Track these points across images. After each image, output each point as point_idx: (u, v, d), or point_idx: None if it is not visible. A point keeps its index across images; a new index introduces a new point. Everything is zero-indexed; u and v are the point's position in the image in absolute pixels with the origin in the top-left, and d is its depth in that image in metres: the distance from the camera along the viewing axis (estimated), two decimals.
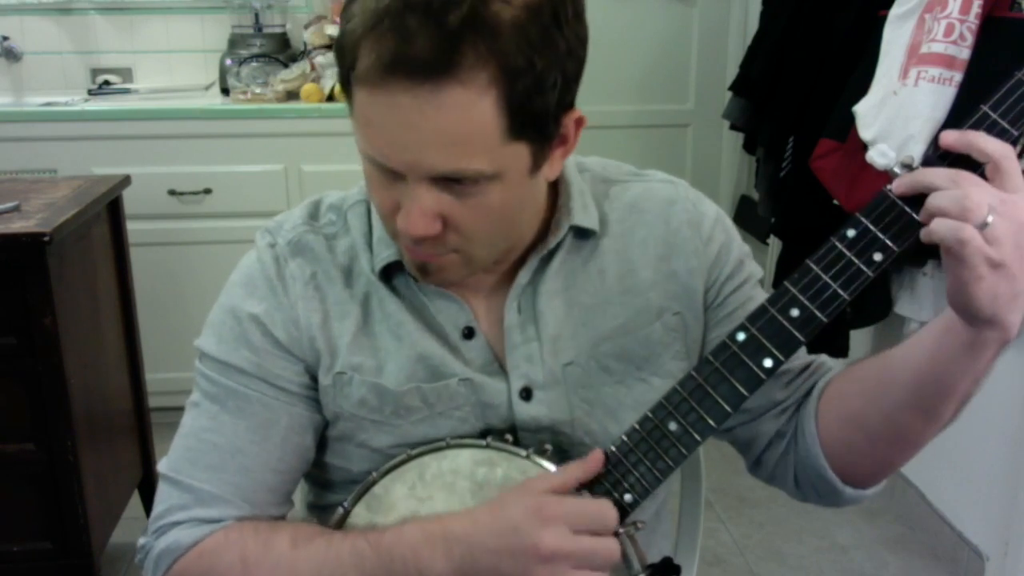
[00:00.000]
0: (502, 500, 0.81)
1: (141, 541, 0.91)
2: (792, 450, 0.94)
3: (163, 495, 0.90)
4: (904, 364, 0.83)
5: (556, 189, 0.94)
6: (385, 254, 0.90)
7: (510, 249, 0.91)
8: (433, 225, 0.79)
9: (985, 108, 0.74)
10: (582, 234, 0.93)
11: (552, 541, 0.77)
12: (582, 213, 0.92)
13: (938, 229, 0.70)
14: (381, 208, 0.84)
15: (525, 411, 0.91)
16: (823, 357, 0.97)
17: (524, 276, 0.92)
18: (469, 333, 0.92)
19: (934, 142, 0.75)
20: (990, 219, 0.69)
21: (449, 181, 0.77)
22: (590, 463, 0.82)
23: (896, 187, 0.74)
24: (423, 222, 0.78)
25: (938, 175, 0.72)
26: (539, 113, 0.76)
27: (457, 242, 0.82)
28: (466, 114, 0.73)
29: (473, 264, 0.86)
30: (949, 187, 0.71)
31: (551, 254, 0.92)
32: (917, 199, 0.74)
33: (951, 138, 0.73)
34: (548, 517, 0.77)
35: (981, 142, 0.72)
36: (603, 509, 0.80)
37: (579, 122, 0.83)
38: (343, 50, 0.76)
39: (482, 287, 0.93)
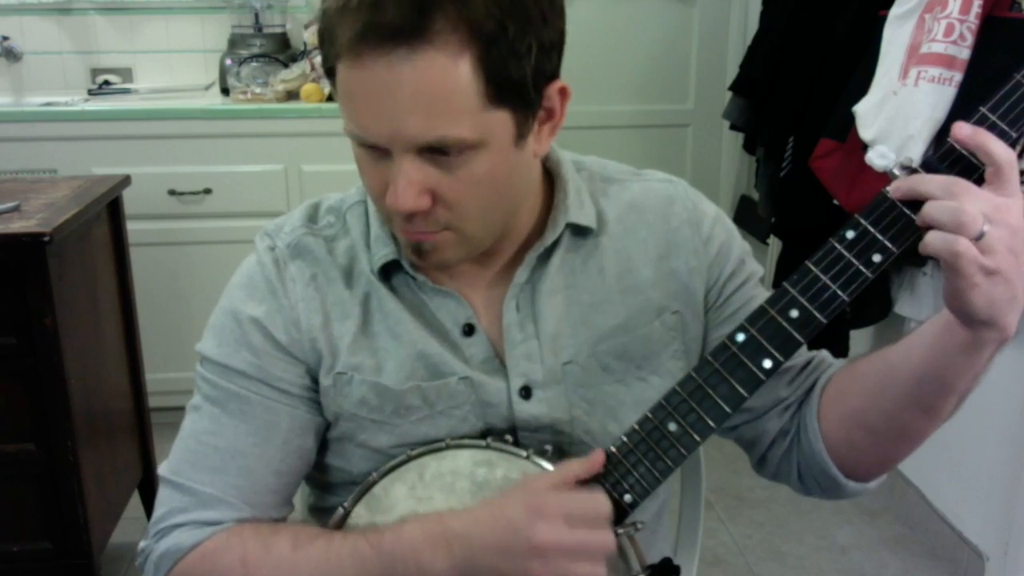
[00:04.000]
0: (502, 498, 0.81)
1: (141, 544, 0.91)
2: (795, 447, 0.95)
3: (164, 498, 0.90)
4: (903, 363, 0.83)
5: (553, 186, 0.94)
6: (383, 252, 0.90)
7: (505, 235, 0.90)
8: (422, 199, 0.79)
9: (984, 110, 0.74)
10: (580, 232, 0.93)
11: (545, 535, 0.77)
12: (579, 210, 0.93)
13: (932, 242, 0.70)
14: (372, 190, 0.84)
15: (525, 410, 0.91)
16: (824, 353, 0.98)
17: (522, 274, 0.92)
18: (469, 330, 0.92)
19: (934, 143, 0.75)
20: (986, 228, 0.69)
21: (435, 153, 0.78)
22: (590, 461, 0.82)
23: (893, 192, 0.74)
24: (411, 195, 0.79)
25: (933, 184, 0.72)
26: (517, 79, 0.77)
27: (448, 218, 0.82)
28: (441, 77, 0.74)
29: (468, 243, 0.85)
30: (944, 197, 0.71)
31: (549, 252, 0.92)
32: (916, 201, 0.74)
33: (964, 132, 0.73)
34: (543, 512, 0.78)
35: (991, 144, 0.72)
36: (597, 501, 0.80)
37: (563, 93, 0.84)
38: (323, 33, 0.78)
39: (481, 284, 0.93)
